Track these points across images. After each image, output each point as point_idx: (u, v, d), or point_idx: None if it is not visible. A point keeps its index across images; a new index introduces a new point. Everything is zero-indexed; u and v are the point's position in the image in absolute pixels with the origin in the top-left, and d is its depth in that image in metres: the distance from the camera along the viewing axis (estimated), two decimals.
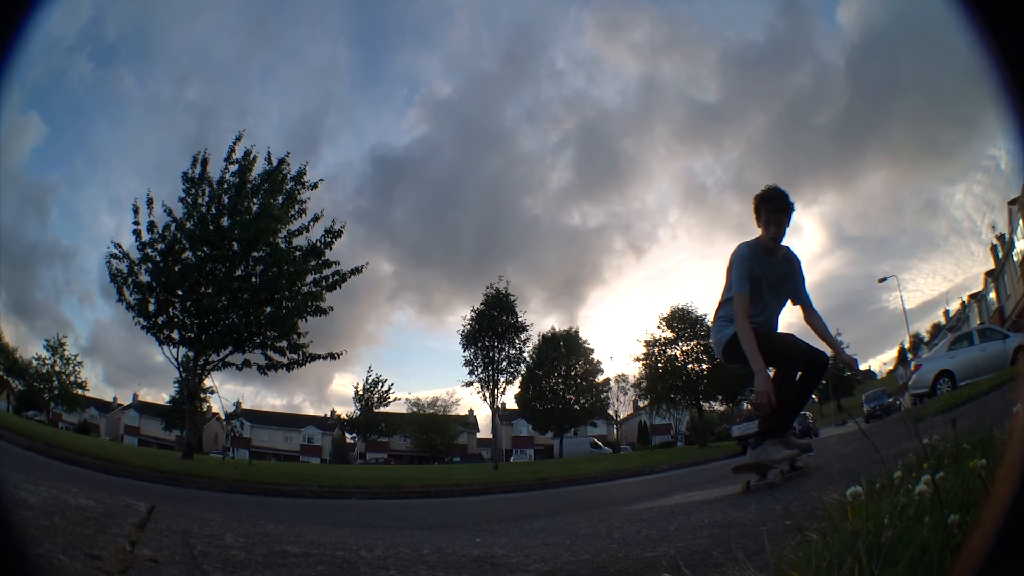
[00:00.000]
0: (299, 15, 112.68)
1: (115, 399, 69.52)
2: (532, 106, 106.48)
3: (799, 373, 4.73)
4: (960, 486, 1.27)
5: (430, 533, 3.18)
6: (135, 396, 68.84)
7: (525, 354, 35.54)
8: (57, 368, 49.97)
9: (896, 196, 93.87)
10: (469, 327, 33.93)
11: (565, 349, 52.11)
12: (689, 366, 42.69)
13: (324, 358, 18.90)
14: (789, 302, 5.08)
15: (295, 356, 18.54)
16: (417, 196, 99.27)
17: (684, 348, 43.27)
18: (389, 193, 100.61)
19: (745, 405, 40.66)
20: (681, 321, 43.70)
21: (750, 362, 4.43)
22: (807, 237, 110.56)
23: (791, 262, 4.97)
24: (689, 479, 10.33)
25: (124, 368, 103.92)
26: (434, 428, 63.36)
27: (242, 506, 7.66)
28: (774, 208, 4.70)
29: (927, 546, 1.02)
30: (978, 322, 41.40)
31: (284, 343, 18.43)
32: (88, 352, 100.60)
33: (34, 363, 49.16)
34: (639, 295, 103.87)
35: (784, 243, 4.90)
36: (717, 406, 47.44)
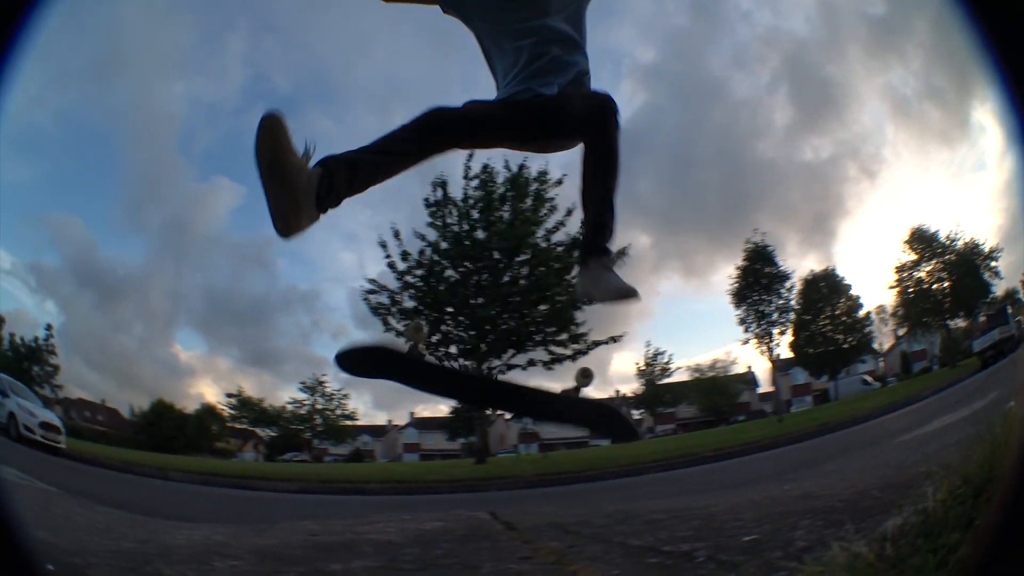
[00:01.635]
0: None
1: (390, 421, 72.19)
2: (734, 51, 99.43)
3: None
4: None
5: (743, 488, 3.24)
6: (411, 414, 71.78)
7: (792, 302, 36.73)
8: (319, 406, 50.25)
9: None
10: (736, 285, 35.09)
11: (827, 289, 49.11)
12: (934, 286, 39.67)
13: (606, 343, 19.25)
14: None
15: (578, 346, 18.92)
16: (655, 164, 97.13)
17: (927, 269, 40.04)
18: (628, 167, 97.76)
19: (980, 317, 36.03)
20: (920, 240, 40.17)
21: None
22: (991, 134, 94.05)
23: None
24: (942, 403, 11.30)
25: (395, 390, 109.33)
26: (716, 391, 62.15)
27: (556, 496, 7.98)
28: None
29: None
30: None
31: (564, 336, 18.88)
32: (351, 383, 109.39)
33: (288, 407, 50.15)
34: (881, 218, 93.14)
35: None
36: (961, 323, 42.66)
